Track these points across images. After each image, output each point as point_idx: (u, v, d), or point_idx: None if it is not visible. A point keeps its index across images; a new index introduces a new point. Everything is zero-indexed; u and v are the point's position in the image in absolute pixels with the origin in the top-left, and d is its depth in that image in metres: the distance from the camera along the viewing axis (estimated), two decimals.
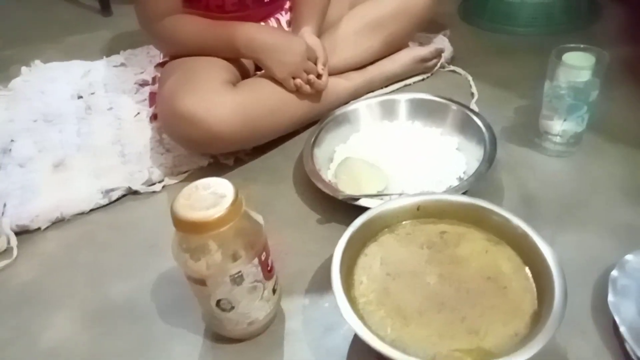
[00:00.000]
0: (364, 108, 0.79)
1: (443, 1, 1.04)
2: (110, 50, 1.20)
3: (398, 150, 0.72)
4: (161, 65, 0.83)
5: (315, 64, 0.77)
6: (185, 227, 0.43)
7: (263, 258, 0.48)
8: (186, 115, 0.67)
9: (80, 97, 0.99)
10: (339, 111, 0.78)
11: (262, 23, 0.87)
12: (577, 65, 0.66)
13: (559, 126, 0.69)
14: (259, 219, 0.49)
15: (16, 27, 1.44)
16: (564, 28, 1.02)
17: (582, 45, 0.68)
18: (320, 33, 0.83)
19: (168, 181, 0.76)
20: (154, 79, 0.86)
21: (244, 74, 0.80)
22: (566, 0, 1.02)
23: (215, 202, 0.44)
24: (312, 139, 0.73)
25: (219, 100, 0.68)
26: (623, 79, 0.85)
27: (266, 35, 0.75)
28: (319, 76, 0.77)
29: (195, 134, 0.68)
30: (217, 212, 0.43)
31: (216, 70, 0.73)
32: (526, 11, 1.03)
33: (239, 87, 0.73)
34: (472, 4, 1.13)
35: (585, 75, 0.66)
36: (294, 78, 0.75)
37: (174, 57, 0.80)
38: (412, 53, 0.90)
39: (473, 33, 1.08)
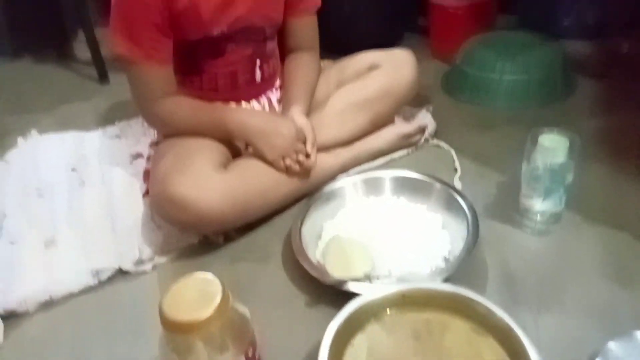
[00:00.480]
0: (351, 186, 0.81)
1: (425, 74, 1.09)
2: (106, 119, 1.24)
3: (385, 227, 0.74)
4: (155, 144, 0.86)
5: (304, 143, 0.80)
6: (173, 327, 0.44)
7: (250, 354, 0.48)
8: (177, 200, 0.69)
9: (74, 169, 1.01)
10: (326, 189, 0.81)
11: (254, 100, 0.91)
12: (552, 148, 0.70)
13: (538, 206, 0.72)
14: (246, 312, 0.50)
15: (14, 93, 1.47)
16: (540, 103, 1.08)
17: (555, 129, 0.71)
18: (309, 111, 0.87)
19: (158, 260, 0.77)
20: (148, 157, 0.89)
21: (235, 153, 0.83)
22: (542, 77, 1.08)
23: (202, 301, 0.45)
24: (300, 218, 0.75)
25: (210, 185, 0.71)
26: (598, 154, 0.89)
27: (257, 120, 0.78)
28: (307, 155, 0.80)
29: (186, 217, 0.70)
30: (204, 313, 0.44)
31: (208, 153, 0.76)
32: (504, 87, 1.09)
33: (229, 170, 0.76)
34: (453, 78, 1.19)
35: (560, 157, 0.70)
36: (283, 159, 0.77)
37: (167, 136, 0.83)
38: (397, 130, 0.94)
39: (455, 106, 1.13)
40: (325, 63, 1.24)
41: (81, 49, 1.61)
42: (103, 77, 1.48)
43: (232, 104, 0.89)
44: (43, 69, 1.64)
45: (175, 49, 0.79)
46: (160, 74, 0.79)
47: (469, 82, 1.13)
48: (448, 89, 1.19)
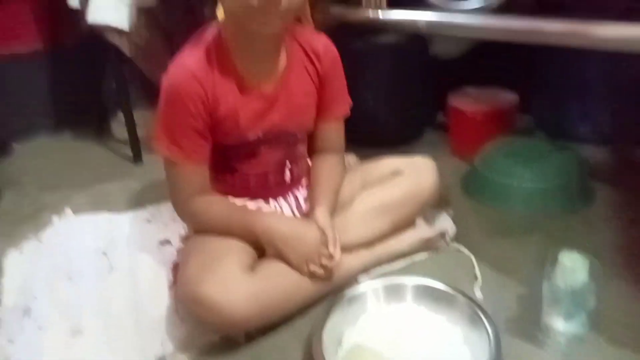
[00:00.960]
0: (372, 292, 0.82)
1: (445, 171, 1.12)
2: (138, 201, 1.29)
3: (405, 338, 0.75)
4: (186, 238, 0.90)
5: (327, 246, 0.83)
6: None
7: None
8: (204, 302, 0.71)
9: (104, 253, 1.05)
10: (348, 293, 0.82)
11: (282, 198, 0.96)
12: (573, 268, 0.71)
13: (561, 326, 0.72)
14: None
15: (52, 168, 1.56)
16: (560, 210, 1.10)
17: (575, 249, 0.73)
18: (333, 212, 0.91)
19: (180, 356, 0.77)
20: (178, 250, 0.93)
21: (261, 251, 0.86)
22: (559, 185, 1.11)
23: None
24: (321, 322, 0.76)
25: (237, 289, 0.73)
26: (620, 270, 0.89)
27: (284, 226, 0.82)
28: (330, 257, 0.82)
29: (212, 318, 0.72)
30: None
31: (235, 254, 0.79)
32: (523, 193, 1.11)
33: (256, 273, 0.79)
34: (472, 179, 1.22)
35: (581, 278, 0.71)
36: (307, 264, 0.80)
37: (198, 231, 0.87)
38: (418, 233, 0.96)
39: (474, 209, 1.15)
40: (349, 159, 1.30)
41: (118, 129, 1.71)
42: (137, 157, 1.56)
43: (261, 202, 0.93)
44: (81, 145, 1.74)
45: (212, 150, 0.85)
46: (197, 173, 0.84)
47: (488, 186, 1.16)
48: (468, 190, 1.22)
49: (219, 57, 0.80)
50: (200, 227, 0.86)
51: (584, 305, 0.70)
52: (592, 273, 0.71)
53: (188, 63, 0.79)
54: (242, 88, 0.82)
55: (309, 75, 0.89)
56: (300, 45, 0.88)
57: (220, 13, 1.05)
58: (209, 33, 0.83)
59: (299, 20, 1.00)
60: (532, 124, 1.55)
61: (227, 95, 0.81)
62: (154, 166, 1.51)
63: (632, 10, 0.84)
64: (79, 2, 1.35)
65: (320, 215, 0.86)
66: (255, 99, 0.84)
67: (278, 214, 0.92)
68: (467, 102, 1.36)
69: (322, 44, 0.89)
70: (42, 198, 1.34)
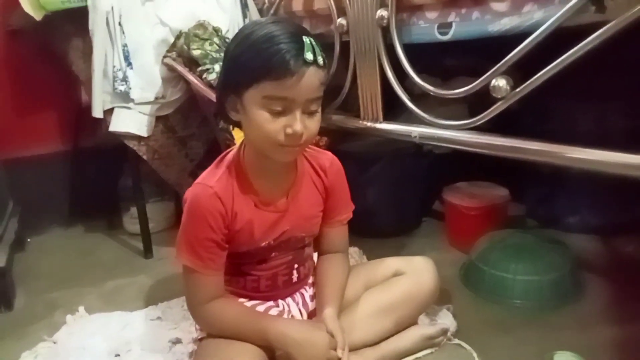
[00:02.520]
0: None
1: (444, 263, 1.19)
2: (149, 298, 1.34)
3: None
4: (199, 340, 0.94)
5: (336, 349, 0.87)
6: None
7: None
8: None
9: (117, 354, 1.08)
10: None
11: (289, 298, 1.01)
12: None
13: None
14: None
15: (64, 266, 1.60)
16: (554, 303, 1.15)
17: (568, 351, 0.78)
18: (340, 310, 0.96)
19: None
20: (190, 353, 0.97)
21: (270, 354, 0.90)
22: (553, 278, 1.17)
23: None
24: None
25: None
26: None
27: (294, 332, 0.87)
28: None
29: None
30: None
31: (248, 358, 0.84)
32: (518, 286, 1.17)
33: None
34: (470, 272, 1.28)
35: None
36: None
37: (211, 335, 0.92)
38: (421, 331, 1.01)
39: (474, 302, 1.20)
40: (353, 252, 1.38)
41: (130, 223, 1.80)
42: (148, 250, 1.62)
43: (271, 302, 0.99)
44: (93, 239, 1.81)
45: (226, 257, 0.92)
46: (212, 280, 0.90)
47: (485, 279, 1.22)
48: (466, 282, 1.28)
49: (238, 177, 0.90)
50: (213, 331, 0.91)
51: None
52: None
53: (210, 182, 0.88)
54: (258, 203, 0.91)
55: (316, 187, 0.99)
56: (309, 162, 0.99)
57: (235, 132, 1.18)
58: (229, 155, 0.93)
59: None
60: (524, 214, 1.64)
61: (244, 211, 0.90)
62: (164, 260, 1.57)
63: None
64: (103, 113, 1.48)
65: (329, 318, 0.91)
66: (269, 212, 0.93)
67: (288, 318, 0.97)
68: (462, 197, 1.45)
69: (328, 160, 1.01)
70: (56, 296, 1.38)
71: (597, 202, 1.46)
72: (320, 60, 0.81)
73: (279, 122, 0.81)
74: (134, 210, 1.69)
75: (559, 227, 1.49)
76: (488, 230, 1.34)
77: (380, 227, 1.58)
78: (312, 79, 0.80)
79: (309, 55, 0.79)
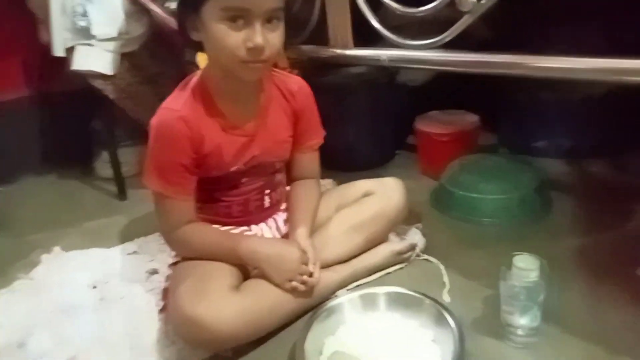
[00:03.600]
0: (348, 302, 0.89)
1: (415, 190, 1.21)
2: (125, 236, 1.35)
3: (381, 343, 0.82)
4: (174, 264, 0.96)
5: (308, 264, 0.90)
6: None
7: None
8: (195, 322, 0.77)
9: (95, 286, 1.09)
10: (327, 305, 0.89)
11: (263, 223, 1.03)
12: (526, 268, 0.79)
13: (517, 321, 0.80)
14: None
15: (39, 210, 1.60)
16: (522, 220, 1.19)
17: (526, 254, 0.81)
18: (312, 231, 0.98)
19: None
20: (167, 276, 0.99)
21: (246, 273, 0.93)
22: (521, 196, 1.20)
23: None
24: (303, 334, 0.82)
25: (225, 308, 0.80)
26: (575, 269, 0.98)
27: (265, 247, 0.89)
28: (311, 275, 0.89)
29: (203, 337, 0.78)
30: None
31: (222, 276, 0.86)
32: (488, 205, 1.21)
33: (241, 292, 0.85)
34: (440, 195, 1.32)
35: (533, 276, 0.79)
36: (289, 281, 0.87)
37: (186, 258, 0.93)
38: (390, 247, 1.04)
39: (443, 222, 1.24)
40: (327, 184, 1.39)
41: (103, 168, 1.78)
42: (122, 193, 1.62)
43: (244, 228, 1.00)
44: (67, 185, 1.80)
45: (196, 182, 0.93)
46: (184, 205, 0.91)
47: (455, 201, 1.25)
48: (436, 205, 1.31)
49: (204, 100, 0.89)
50: (187, 254, 0.93)
51: (536, 301, 0.78)
52: (542, 272, 0.79)
53: (175, 106, 0.87)
54: (225, 127, 0.91)
55: (285, 112, 0.98)
56: (277, 86, 0.98)
57: (201, 59, 1.15)
58: (194, 79, 0.91)
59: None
60: (496, 142, 1.66)
61: (212, 134, 0.89)
62: (138, 202, 1.57)
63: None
64: (64, 51, 1.43)
65: (300, 236, 0.94)
66: (237, 136, 0.92)
67: (260, 236, 0.99)
68: (433, 125, 1.46)
69: (296, 83, 0.99)
70: (31, 238, 1.38)
71: (565, 127, 1.49)
72: None
73: (239, 35, 0.80)
74: (106, 154, 1.67)
75: (530, 152, 1.52)
76: (459, 157, 1.36)
77: (354, 159, 1.59)
78: None
79: None
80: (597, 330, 0.83)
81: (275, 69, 1.01)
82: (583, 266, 1.00)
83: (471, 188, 1.23)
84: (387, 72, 1.59)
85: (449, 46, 1.00)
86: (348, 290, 0.98)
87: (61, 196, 1.70)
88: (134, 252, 1.23)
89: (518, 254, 0.81)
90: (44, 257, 1.24)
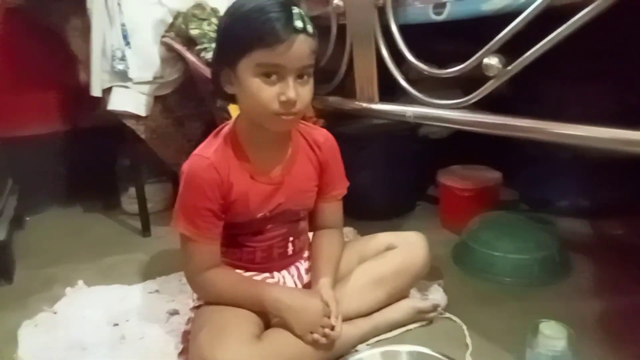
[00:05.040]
0: (368, 358, 0.89)
1: (436, 243, 1.21)
2: (147, 273, 1.36)
3: None
4: (196, 307, 0.97)
5: (330, 317, 0.90)
6: None
7: None
8: None
9: (115, 324, 1.10)
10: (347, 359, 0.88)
11: (285, 270, 1.04)
12: (553, 336, 0.78)
13: None
14: None
15: (63, 242, 1.63)
16: (542, 281, 1.18)
17: (553, 321, 0.81)
18: (334, 282, 0.99)
19: None
20: (188, 319, 1.00)
21: (267, 321, 0.93)
22: (542, 256, 1.20)
23: None
24: None
25: (246, 356, 0.80)
26: (596, 333, 0.96)
27: (289, 298, 0.90)
28: (332, 328, 0.89)
29: None
30: None
31: (244, 324, 0.86)
32: (509, 263, 1.20)
33: (262, 341, 0.86)
34: (461, 251, 1.31)
35: (560, 345, 0.78)
36: (311, 333, 0.87)
37: (208, 302, 0.94)
38: (412, 304, 1.04)
39: (465, 279, 1.23)
40: (347, 232, 1.40)
41: (128, 203, 1.82)
42: (146, 229, 1.65)
43: (266, 274, 1.01)
44: (92, 219, 1.83)
45: (222, 227, 0.95)
46: (209, 249, 0.93)
47: (477, 258, 1.25)
48: (458, 261, 1.31)
49: (234, 148, 0.93)
50: (210, 298, 0.94)
51: None
52: (570, 341, 0.78)
53: (207, 154, 0.91)
54: (253, 174, 0.94)
55: (311, 162, 1.01)
56: (304, 137, 1.01)
57: (233, 109, 1.20)
58: (226, 128, 0.95)
59: None
60: (516, 198, 1.67)
61: (240, 181, 0.92)
62: (161, 239, 1.60)
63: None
64: (101, 91, 1.49)
65: (324, 288, 0.94)
66: (264, 184, 0.95)
67: (283, 285, 1.00)
68: (456, 179, 1.48)
69: (323, 135, 1.03)
70: (54, 270, 1.40)
71: (586, 186, 1.49)
72: (309, 28, 0.84)
73: (273, 90, 0.84)
74: (132, 190, 1.71)
75: (550, 210, 1.52)
76: (480, 212, 1.36)
77: (375, 209, 1.60)
78: (302, 46, 0.83)
79: (298, 23, 0.82)
80: None
81: (302, 121, 1.05)
82: (605, 332, 0.98)
83: (492, 246, 1.23)
84: (409, 124, 1.62)
85: (472, 106, 1.03)
86: (368, 345, 0.97)
87: (85, 229, 1.73)
88: (155, 291, 1.24)
89: (544, 321, 0.80)
90: (68, 290, 1.26)
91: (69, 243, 1.62)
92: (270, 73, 0.84)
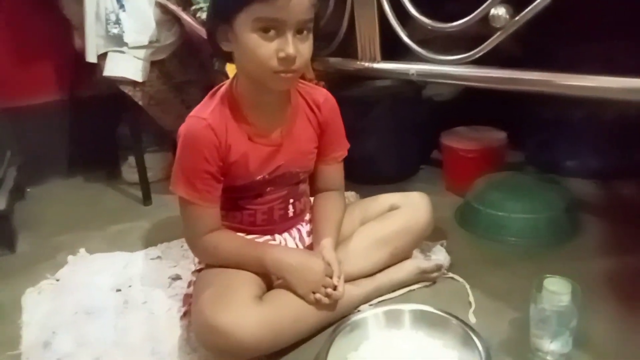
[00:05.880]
0: (372, 318, 0.88)
1: (440, 206, 1.19)
2: (148, 240, 1.36)
3: None
4: (198, 271, 0.96)
5: (332, 277, 0.89)
6: None
7: None
8: (218, 330, 0.77)
9: (119, 290, 1.11)
10: (350, 320, 0.88)
11: (286, 233, 1.03)
12: (557, 292, 0.77)
13: (547, 346, 0.77)
14: None
15: (65, 212, 1.63)
16: (549, 240, 1.16)
17: (557, 277, 0.79)
18: (336, 243, 0.98)
19: None
20: (189, 282, 0.99)
21: (270, 282, 0.93)
22: (549, 216, 1.18)
23: None
24: (325, 349, 0.81)
25: (248, 317, 0.79)
26: (604, 295, 0.95)
27: (290, 257, 0.89)
28: (335, 288, 0.89)
29: (225, 345, 0.78)
30: None
31: (246, 285, 0.86)
32: (515, 224, 1.18)
33: (265, 302, 0.85)
34: (466, 212, 1.29)
35: (565, 300, 0.77)
36: (313, 293, 0.86)
37: (209, 265, 0.93)
38: (416, 264, 1.03)
39: (468, 240, 1.22)
40: (350, 196, 1.38)
41: (128, 172, 1.80)
42: (147, 198, 1.64)
43: (268, 237, 1.00)
44: (93, 188, 1.83)
45: (222, 190, 0.93)
46: (209, 212, 0.91)
47: (481, 219, 1.23)
48: (462, 222, 1.29)
49: (232, 109, 0.90)
50: (212, 261, 0.93)
51: (568, 326, 0.76)
52: (574, 296, 0.77)
53: (203, 114, 0.88)
54: (252, 136, 0.91)
55: (311, 123, 0.98)
56: (303, 97, 0.98)
57: (230, 69, 1.16)
58: (222, 89, 0.92)
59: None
60: (523, 160, 1.64)
61: (238, 143, 0.90)
62: (162, 207, 1.59)
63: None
64: (97, 58, 1.46)
65: (325, 248, 0.93)
66: (263, 145, 0.92)
67: (285, 246, 0.99)
68: (460, 140, 1.45)
69: (322, 95, 1.00)
70: (57, 240, 1.41)
71: (595, 147, 1.46)
72: None
73: (271, 46, 0.80)
74: (132, 159, 1.69)
75: (558, 171, 1.49)
76: (485, 174, 1.34)
77: (378, 173, 1.58)
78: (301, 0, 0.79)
79: None
80: (631, 358, 0.80)
81: (302, 81, 1.02)
82: (613, 290, 0.97)
83: (498, 206, 1.21)
84: (413, 86, 1.59)
85: (478, 61, 0.99)
86: (371, 305, 0.97)
87: (87, 199, 1.73)
88: (157, 257, 1.24)
89: (549, 277, 0.79)
90: (70, 258, 1.26)
91: (71, 212, 1.62)
92: (268, 28, 0.80)
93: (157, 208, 1.61)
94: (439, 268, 1.04)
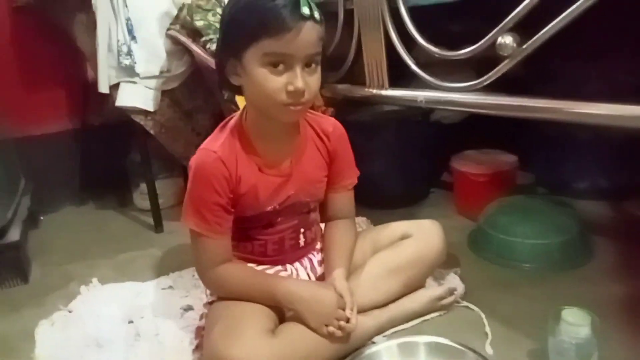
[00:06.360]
0: (386, 350, 0.87)
1: (452, 230, 1.18)
2: (160, 269, 1.36)
3: None
4: (209, 303, 0.96)
5: (344, 309, 0.88)
6: None
7: None
8: None
9: (131, 321, 1.10)
10: (364, 352, 0.87)
11: (297, 263, 1.02)
12: (576, 323, 0.76)
13: None
14: None
15: (77, 240, 1.63)
16: (562, 265, 1.14)
17: (575, 308, 0.78)
18: (348, 273, 0.97)
19: None
20: (201, 315, 0.99)
21: (281, 315, 0.92)
22: (562, 241, 1.16)
23: None
24: None
25: (261, 350, 0.78)
26: (618, 319, 0.93)
27: (302, 290, 0.88)
28: (347, 320, 0.88)
29: None
30: None
31: (257, 319, 0.85)
32: (527, 249, 1.17)
33: (277, 335, 0.84)
34: (478, 237, 1.28)
35: (584, 332, 0.75)
36: (326, 326, 0.85)
37: (221, 298, 0.93)
38: (429, 293, 1.01)
39: (482, 266, 1.21)
40: (361, 222, 1.38)
41: (140, 199, 1.82)
42: (158, 225, 1.64)
43: (279, 267, 1.00)
44: (104, 215, 1.84)
45: (232, 221, 0.93)
46: (219, 244, 0.91)
47: (493, 244, 1.22)
48: (474, 247, 1.28)
49: (241, 141, 0.91)
50: (222, 293, 0.93)
51: (588, 359, 0.74)
52: (594, 327, 0.75)
53: (214, 147, 0.89)
54: (262, 167, 0.92)
55: (320, 152, 0.99)
56: (312, 127, 0.98)
57: (239, 99, 1.18)
58: (232, 121, 0.93)
59: None
60: (533, 182, 1.63)
61: (249, 174, 0.90)
62: (174, 233, 1.59)
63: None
64: (109, 88, 1.49)
65: (337, 280, 0.92)
66: (273, 176, 0.93)
67: (296, 278, 0.98)
68: (470, 164, 1.44)
69: (331, 124, 1.00)
70: (69, 268, 1.41)
71: (604, 167, 1.45)
72: (316, 15, 0.81)
73: (280, 79, 0.81)
74: (143, 186, 1.71)
75: (568, 193, 1.48)
76: (496, 197, 1.33)
77: (388, 197, 1.58)
78: (310, 34, 0.80)
79: (305, 10, 0.79)
80: None
81: (310, 110, 1.02)
82: (631, 316, 0.95)
83: (510, 231, 1.20)
84: (421, 110, 1.59)
85: (486, 88, 1.00)
86: (385, 337, 0.95)
87: (99, 226, 1.74)
88: (169, 287, 1.23)
89: (567, 308, 0.78)
90: (83, 288, 1.26)
91: (83, 240, 1.63)
92: (277, 62, 0.81)
93: (168, 234, 1.61)
94: (451, 292, 1.03)
